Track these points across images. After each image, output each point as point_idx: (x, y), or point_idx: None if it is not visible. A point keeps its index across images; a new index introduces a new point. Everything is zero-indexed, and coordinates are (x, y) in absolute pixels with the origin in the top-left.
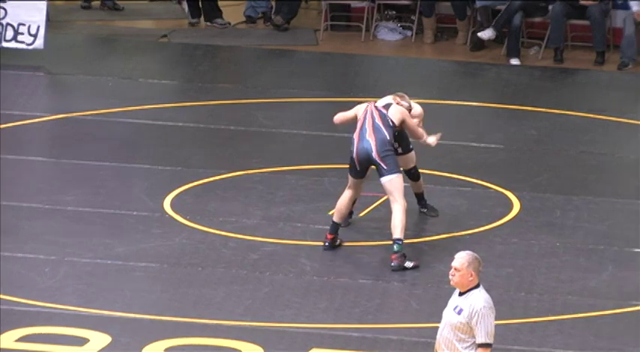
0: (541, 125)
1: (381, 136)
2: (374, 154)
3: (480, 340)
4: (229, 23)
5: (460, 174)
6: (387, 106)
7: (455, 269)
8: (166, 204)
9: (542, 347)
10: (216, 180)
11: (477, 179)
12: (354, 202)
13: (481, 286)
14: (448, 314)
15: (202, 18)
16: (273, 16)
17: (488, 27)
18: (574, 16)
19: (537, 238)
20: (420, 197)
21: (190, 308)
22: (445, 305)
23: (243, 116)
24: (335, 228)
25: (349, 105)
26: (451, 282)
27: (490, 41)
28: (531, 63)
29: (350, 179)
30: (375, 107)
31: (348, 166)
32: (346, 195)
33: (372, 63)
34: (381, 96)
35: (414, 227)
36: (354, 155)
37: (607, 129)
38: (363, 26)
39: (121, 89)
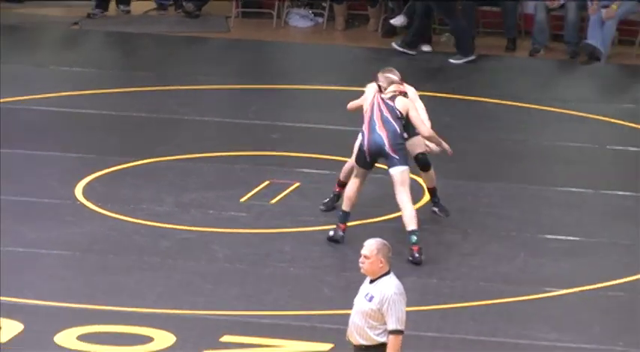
0: (453, 111)
1: (392, 129)
2: (387, 147)
3: (391, 327)
4: (129, 11)
5: None
6: (393, 98)
7: (364, 256)
8: (78, 191)
9: (454, 334)
10: (128, 167)
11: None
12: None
13: (392, 273)
14: (359, 302)
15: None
16: (184, 3)
17: (399, 14)
18: (485, 3)
19: (449, 224)
20: (433, 193)
21: (102, 295)
22: (357, 292)
23: (155, 103)
24: (346, 217)
25: (261, 93)
26: (361, 270)
27: (401, 28)
28: (443, 49)
29: (357, 169)
30: (382, 99)
31: (355, 156)
32: (355, 184)
33: (283, 50)
34: (293, 84)
35: (326, 214)
36: (365, 148)
37: (519, 116)
38: (275, 13)
39: (32, 77)
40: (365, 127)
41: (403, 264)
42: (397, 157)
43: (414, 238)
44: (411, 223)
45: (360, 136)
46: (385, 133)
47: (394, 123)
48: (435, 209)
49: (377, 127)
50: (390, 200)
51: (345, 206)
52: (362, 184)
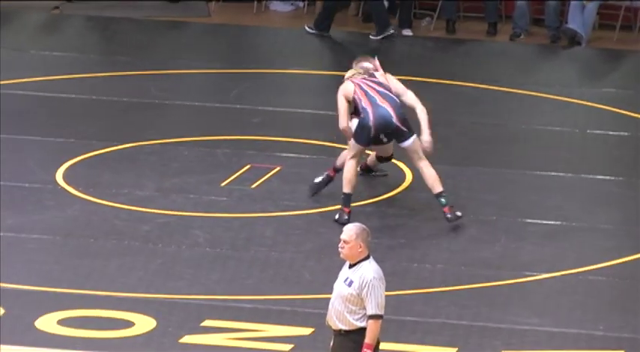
0: (433, 96)
1: (392, 100)
2: (394, 119)
3: (371, 311)
4: None
5: None
6: (372, 74)
7: (344, 241)
8: (59, 175)
9: (435, 318)
10: (109, 151)
11: (369, 150)
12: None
13: (371, 257)
14: (339, 286)
15: None
16: None
17: None
18: None
19: (429, 209)
20: (380, 161)
21: (83, 279)
22: (337, 276)
23: (135, 88)
24: (348, 199)
25: (242, 77)
26: (341, 255)
27: None
28: (424, 34)
29: (356, 147)
30: (364, 79)
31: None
32: (352, 165)
33: (264, 34)
34: (274, 68)
35: (307, 199)
36: (371, 122)
37: (499, 100)
38: None
39: (12, 61)
40: (366, 104)
41: (383, 249)
42: (406, 130)
43: (443, 201)
44: (435, 186)
45: (354, 120)
46: (389, 105)
47: (391, 94)
48: (374, 173)
49: (379, 101)
50: (369, 185)
51: (347, 188)
52: (358, 163)
